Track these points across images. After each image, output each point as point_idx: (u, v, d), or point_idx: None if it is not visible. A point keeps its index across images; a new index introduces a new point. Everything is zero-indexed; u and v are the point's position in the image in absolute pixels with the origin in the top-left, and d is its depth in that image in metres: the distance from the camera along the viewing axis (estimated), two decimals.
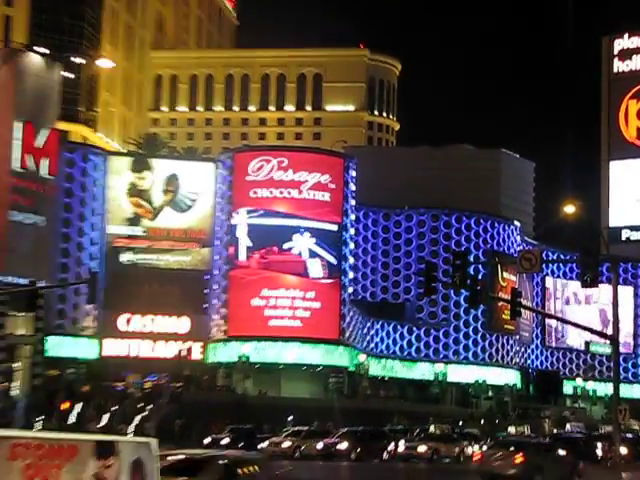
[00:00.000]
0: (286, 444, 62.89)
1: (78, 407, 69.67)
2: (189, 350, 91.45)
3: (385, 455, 65.77)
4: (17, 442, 5.38)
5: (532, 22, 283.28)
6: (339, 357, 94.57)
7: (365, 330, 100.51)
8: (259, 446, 63.68)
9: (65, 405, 70.23)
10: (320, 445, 64.04)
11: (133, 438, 6.48)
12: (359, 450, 64.79)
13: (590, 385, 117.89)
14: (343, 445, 65.02)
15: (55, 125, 79.62)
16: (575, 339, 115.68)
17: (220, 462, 24.65)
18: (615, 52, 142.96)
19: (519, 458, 44.52)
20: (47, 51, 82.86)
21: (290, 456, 60.70)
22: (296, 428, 67.80)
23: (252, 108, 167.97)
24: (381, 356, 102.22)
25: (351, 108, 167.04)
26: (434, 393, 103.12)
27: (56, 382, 78.80)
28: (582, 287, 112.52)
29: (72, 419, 68.50)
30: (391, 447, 67.12)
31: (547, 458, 47.43)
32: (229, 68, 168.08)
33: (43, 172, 75.69)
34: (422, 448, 66.46)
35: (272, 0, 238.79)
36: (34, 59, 76.52)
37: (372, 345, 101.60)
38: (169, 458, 25.50)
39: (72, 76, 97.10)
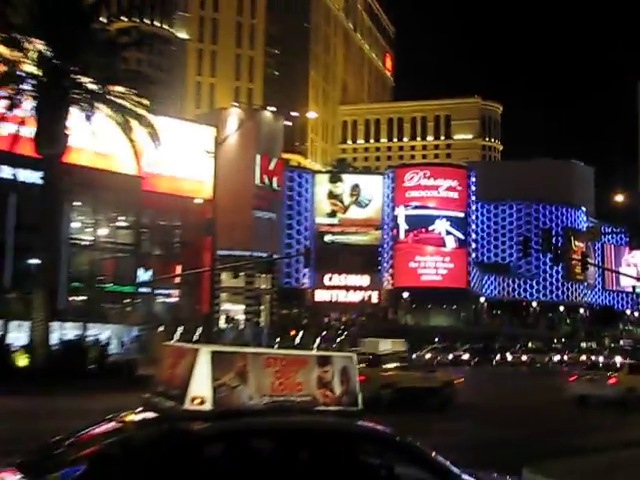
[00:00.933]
0: (427, 355, 62.88)
1: (300, 333, 70.54)
2: (369, 296, 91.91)
3: (494, 362, 65.42)
4: (268, 356, 5.81)
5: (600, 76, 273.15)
6: (466, 300, 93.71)
7: (483, 281, 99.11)
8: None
9: (293, 332, 71.05)
10: (450, 356, 64.10)
11: (340, 353, 6.55)
12: (477, 359, 64.66)
13: (636, 314, 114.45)
14: (466, 356, 65.16)
15: (281, 155, 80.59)
16: (626, 284, 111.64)
17: None
18: None
19: None
20: (274, 109, 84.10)
21: (430, 364, 60.84)
22: (434, 345, 67.63)
23: (405, 139, 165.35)
24: (493, 298, 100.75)
25: (470, 137, 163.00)
26: (530, 322, 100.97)
27: (286, 317, 79.95)
28: (630, 250, 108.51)
29: (297, 341, 69.43)
30: (498, 357, 66.81)
31: None
32: (389, 114, 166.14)
33: (274, 185, 76.71)
34: (524, 357, 66.15)
35: (414, 68, 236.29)
36: (267, 114, 77.50)
37: (488, 291, 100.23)
38: None
39: (290, 124, 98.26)
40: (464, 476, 5.92)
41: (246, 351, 5.90)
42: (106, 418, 6.09)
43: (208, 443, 5.46)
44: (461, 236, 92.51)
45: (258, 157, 73.38)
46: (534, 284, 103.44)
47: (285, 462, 5.62)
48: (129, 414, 6.12)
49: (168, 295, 60.89)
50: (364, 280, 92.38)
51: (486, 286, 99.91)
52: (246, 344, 54.96)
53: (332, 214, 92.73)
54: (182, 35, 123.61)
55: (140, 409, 6.11)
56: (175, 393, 5.63)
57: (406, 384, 24.74)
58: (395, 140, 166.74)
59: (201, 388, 5.45)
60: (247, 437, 5.62)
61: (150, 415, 5.87)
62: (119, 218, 55.21)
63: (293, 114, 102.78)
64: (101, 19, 32.42)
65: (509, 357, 67.41)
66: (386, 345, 27.66)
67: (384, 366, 25.48)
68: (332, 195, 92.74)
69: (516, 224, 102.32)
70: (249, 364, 5.64)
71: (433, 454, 5.95)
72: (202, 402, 5.43)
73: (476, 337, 76.22)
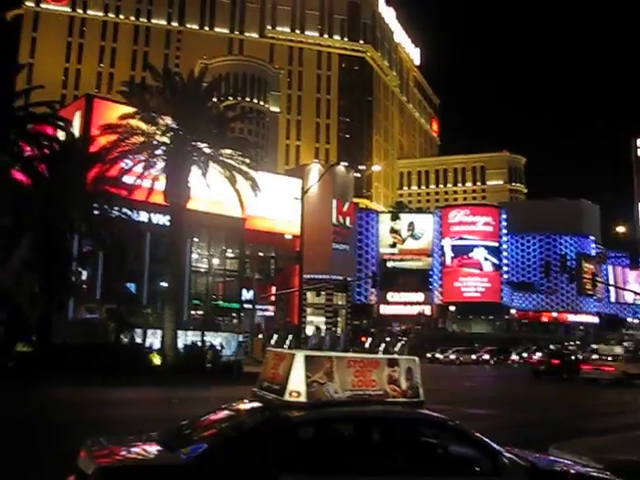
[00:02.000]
0: (452, 356, 60.74)
1: (369, 340, 69.84)
2: (423, 310, 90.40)
3: (509, 362, 62.61)
4: (349, 359, 5.77)
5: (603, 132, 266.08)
6: (499, 312, 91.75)
7: (513, 296, 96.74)
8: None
9: (363, 339, 70.36)
10: (473, 356, 61.96)
11: (406, 356, 6.34)
12: (495, 359, 62.35)
13: (636, 322, 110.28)
14: (486, 356, 62.74)
15: (352, 200, 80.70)
16: (629, 297, 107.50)
17: None
18: (638, 144, 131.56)
19: None
20: (347, 164, 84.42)
21: (453, 363, 58.94)
22: (460, 348, 63.49)
23: (449, 185, 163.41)
24: (521, 310, 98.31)
25: (501, 182, 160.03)
26: (550, 328, 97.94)
27: (358, 327, 79.37)
28: (630, 270, 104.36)
29: (366, 346, 68.53)
30: (514, 357, 63.84)
31: None
32: (436, 166, 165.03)
33: (347, 223, 76.80)
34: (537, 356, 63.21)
35: (456, 130, 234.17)
36: (341, 168, 77.91)
37: (517, 304, 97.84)
38: None
39: (359, 175, 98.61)
40: (504, 452, 5.79)
41: (332, 355, 5.91)
42: (222, 407, 6.17)
43: (303, 427, 5.56)
44: (495, 261, 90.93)
45: (334, 202, 73.74)
46: (554, 298, 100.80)
47: (362, 442, 5.68)
48: (240, 403, 6.19)
49: (266, 310, 61.32)
50: (419, 297, 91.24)
51: (515, 300, 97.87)
52: (324, 349, 54.78)
53: (393, 245, 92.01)
54: (274, 109, 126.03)
55: (248, 400, 6.18)
56: (277, 388, 5.72)
57: (630, 370, 33.74)
58: (441, 186, 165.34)
59: (297, 384, 5.52)
60: (333, 422, 5.71)
61: (257, 405, 5.95)
62: (227, 250, 56.06)
63: (361, 168, 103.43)
64: (213, 99, 33.31)
65: (534, 357, 64.25)
66: (616, 349, 37.82)
67: (618, 361, 34.34)
68: (393, 230, 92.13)
69: (539, 251, 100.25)
70: (334, 365, 5.67)
71: (477, 434, 5.84)
72: (298, 395, 5.50)
73: (507, 341, 73.97)
